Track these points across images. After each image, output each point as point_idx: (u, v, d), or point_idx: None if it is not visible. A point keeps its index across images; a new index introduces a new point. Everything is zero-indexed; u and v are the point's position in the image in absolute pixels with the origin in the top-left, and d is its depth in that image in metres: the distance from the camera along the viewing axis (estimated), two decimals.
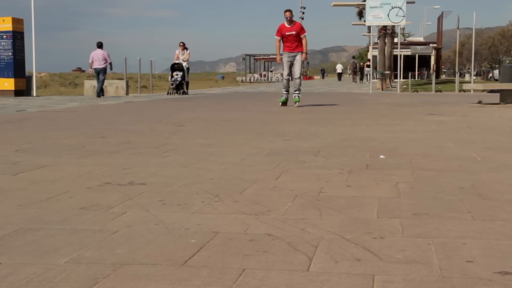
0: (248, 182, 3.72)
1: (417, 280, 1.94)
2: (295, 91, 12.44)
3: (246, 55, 64.26)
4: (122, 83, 21.92)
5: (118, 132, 7.18)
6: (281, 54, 12.44)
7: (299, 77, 12.53)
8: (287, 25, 12.25)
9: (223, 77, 72.18)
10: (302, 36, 12.29)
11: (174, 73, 20.37)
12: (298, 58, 12.27)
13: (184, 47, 20.82)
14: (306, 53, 12.47)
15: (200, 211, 2.94)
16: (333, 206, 3.04)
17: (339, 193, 3.38)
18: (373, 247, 2.31)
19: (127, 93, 21.51)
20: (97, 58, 19.17)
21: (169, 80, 20.73)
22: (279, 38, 12.31)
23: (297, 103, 12.43)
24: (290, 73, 12.38)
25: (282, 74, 14.09)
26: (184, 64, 20.53)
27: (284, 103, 12.55)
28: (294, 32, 12.16)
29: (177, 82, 20.35)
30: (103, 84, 19.37)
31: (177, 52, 20.96)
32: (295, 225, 2.66)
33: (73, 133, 7.07)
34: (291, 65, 12.35)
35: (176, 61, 20.57)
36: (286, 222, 2.71)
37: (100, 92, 19.00)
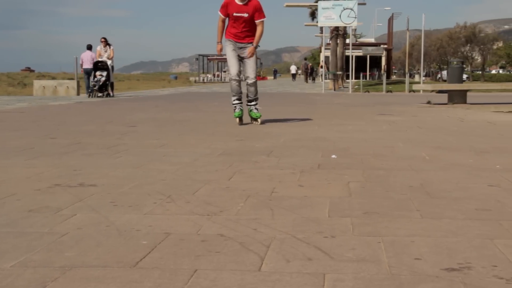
0: (201, 183, 3.71)
1: (367, 278, 1.96)
2: (250, 102, 8.38)
3: (200, 55, 64.04)
4: (73, 83, 21.57)
5: (69, 132, 7.06)
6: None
7: (254, 82, 8.31)
8: (238, 1, 8.03)
9: (176, 77, 71.71)
10: (258, 21, 8.08)
11: (98, 73, 18.30)
12: (250, 55, 8.21)
13: (106, 43, 19.11)
14: (256, 47, 8.24)
15: (152, 212, 2.92)
16: (285, 206, 3.06)
17: (291, 193, 3.40)
18: (324, 246, 2.33)
19: (78, 94, 21.17)
20: (86, 59, 19.60)
21: (91, 80, 18.62)
22: (223, 16, 8.12)
23: (258, 119, 8.35)
24: (240, 70, 8.32)
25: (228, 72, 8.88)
26: (109, 62, 18.67)
27: (241, 118, 8.31)
28: (246, 15, 7.96)
29: (101, 83, 18.30)
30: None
31: (98, 48, 19.10)
32: (247, 225, 2.66)
33: (22, 134, 6.92)
34: (240, 60, 8.31)
35: (100, 59, 18.68)
36: (238, 222, 2.72)
37: (91, 93, 18.66)
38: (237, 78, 8.28)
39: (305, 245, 2.34)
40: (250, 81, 8.30)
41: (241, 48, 8.21)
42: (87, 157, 4.92)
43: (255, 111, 8.41)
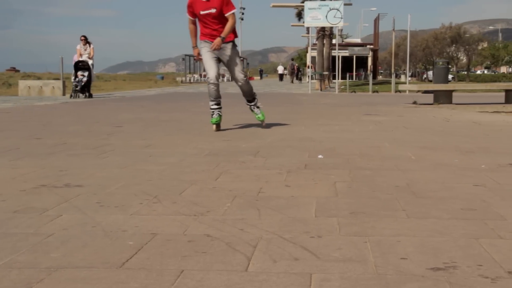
0: (187, 183, 3.71)
1: (353, 278, 1.97)
2: (249, 101, 7.85)
3: (186, 55, 63.88)
4: (59, 83, 21.43)
5: (55, 133, 7.02)
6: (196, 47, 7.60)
7: (245, 80, 7.67)
8: None
9: (162, 78, 71.51)
10: (227, 15, 7.32)
11: (79, 73, 17.66)
12: (229, 53, 7.45)
13: (86, 41, 18.38)
14: (223, 38, 7.28)
15: (138, 213, 2.91)
16: (272, 206, 3.06)
17: (278, 193, 3.41)
18: (311, 246, 2.33)
19: (63, 94, 21.05)
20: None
21: (72, 80, 17.95)
22: (191, 18, 7.45)
23: (263, 121, 7.90)
24: (218, 72, 7.51)
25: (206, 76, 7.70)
26: (90, 62, 18.02)
27: (218, 125, 7.45)
28: (214, 10, 7.26)
29: (83, 84, 17.69)
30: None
31: (78, 47, 18.34)
32: (234, 225, 2.66)
33: (7, 134, 6.87)
34: (217, 62, 7.52)
35: (80, 59, 18.05)
36: (225, 222, 2.71)
37: (73, 93, 18.36)
38: (215, 82, 7.33)
39: (292, 245, 2.34)
40: (240, 82, 7.59)
41: (219, 48, 7.39)
42: (73, 157, 4.90)
43: (256, 110, 7.88)
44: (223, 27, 7.28)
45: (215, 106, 7.42)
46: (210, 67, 7.32)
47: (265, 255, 2.21)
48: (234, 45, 7.49)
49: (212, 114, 7.42)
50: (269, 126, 7.67)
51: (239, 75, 7.55)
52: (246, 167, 4.38)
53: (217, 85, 7.36)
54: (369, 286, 1.89)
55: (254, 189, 3.51)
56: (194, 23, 7.45)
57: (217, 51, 7.36)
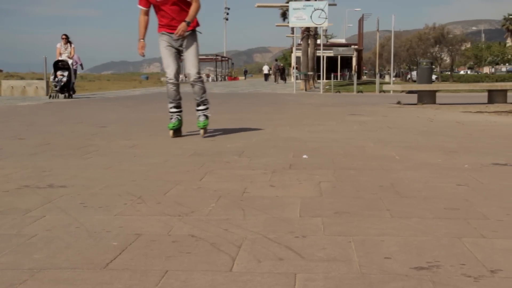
0: (172, 183, 3.70)
1: (337, 277, 1.98)
2: (198, 106, 6.64)
3: None
4: (42, 84, 21.28)
5: (38, 133, 6.97)
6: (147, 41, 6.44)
7: (198, 79, 6.49)
8: None
9: (147, 78, 71.34)
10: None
11: (58, 73, 17.27)
12: (187, 43, 6.33)
13: (67, 40, 17.87)
14: (189, 23, 6.23)
15: (123, 213, 2.90)
16: (256, 206, 3.06)
17: (262, 193, 3.41)
18: (295, 246, 2.34)
19: (47, 94, 20.90)
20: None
21: (52, 80, 17.56)
22: (144, 8, 6.31)
23: (203, 129, 6.58)
24: (179, 70, 6.51)
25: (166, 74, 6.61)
26: (70, 61, 17.58)
27: (177, 131, 6.60)
28: None
29: (62, 84, 17.27)
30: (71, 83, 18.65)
31: (58, 46, 17.78)
32: (218, 225, 2.66)
33: None
34: (178, 57, 6.48)
35: (60, 58, 17.59)
36: (209, 222, 2.71)
37: (52, 94, 18.09)
38: (174, 81, 6.45)
39: (276, 245, 2.34)
40: (191, 78, 6.47)
41: (177, 40, 6.33)
42: (56, 158, 4.87)
43: (201, 119, 6.55)
44: (185, 16, 6.22)
45: (174, 110, 6.59)
46: (169, 64, 6.39)
47: (249, 255, 2.21)
48: (195, 34, 6.40)
49: (171, 119, 6.58)
50: (212, 135, 6.72)
51: (192, 70, 6.41)
52: (231, 167, 4.38)
53: (176, 85, 6.53)
54: (353, 286, 1.90)
55: (239, 189, 3.51)
56: (147, 13, 6.34)
57: (179, 41, 6.32)
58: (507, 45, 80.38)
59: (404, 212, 2.94)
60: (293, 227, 2.63)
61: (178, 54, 6.44)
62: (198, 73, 6.46)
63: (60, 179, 3.83)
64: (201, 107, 6.64)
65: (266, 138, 6.41)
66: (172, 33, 6.28)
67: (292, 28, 35.84)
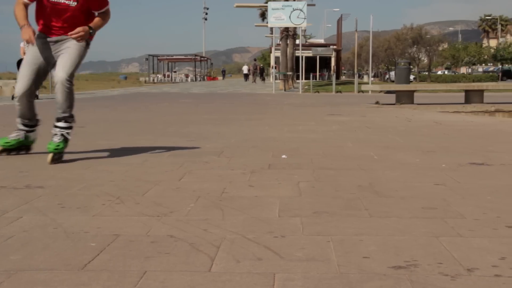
0: (151, 184, 3.68)
1: (316, 277, 1.98)
2: (58, 122, 4.89)
3: (149, 55, 63.45)
4: None
5: None
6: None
7: (67, 82, 4.74)
8: None
9: (126, 78, 70.95)
10: (102, 11, 4.94)
11: None
12: (71, 45, 4.79)
13: None
14: (93, 32, 4.86)
15: (101, 214, 2.88)
16: (235, 206, 3.06)
17: (241, 193, 3.41)
18: (274, 246, 2.34)
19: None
20: None
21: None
22: (28, 1, 4.79)
23: (52, 153, 4.67)
24: (33, 88, 4.91)
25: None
26: None
27: (7, 150, 5.03)
28: (73, 3, 4.75)
29: None
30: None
31: (22, 45, 15.00)
32: (197, 225, 2.65)
33: None
34: (37, 72, 4.85)
35: (23, 57, 16.39)
36: (188, 223, 2.70)
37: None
38: (22, 99, 4.89)
39: (255, 245, 2.34)
40: (57, 78, 4.73)
41: (57, 42, 4.80)
42: (33, 158, 4.82)
43: (56, 139, 4.70)
44: (76, 24, 4.75)
45: (23, 127, 5.04)
46: (23, 76, 4.82)
47: (228, 255, 2.21)
48: (87, 44, 4.89)
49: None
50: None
51: (61, 71, 4.70)
52: (210, 168, 4.37)
53: (26, 103, 4.93)
54: (331, 285, 1.91)
55: (218, 190, 3.51)
56: (27, 6, 4.77)
57: (56, 45, 4.80)
58: (484, 45, 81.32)
59: (382, 212, 2.95)
60: (272, 227, 2.63)
61: (44, 68, 4.87)
62: (67, 75, 4.68)
63: (38, 180, 3.80)
64: (60, 124, 4.81)
65: (245, 138, 6.41)
66: (52, 37, 4.80)
67: (271, 28, 35.88)
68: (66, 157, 4.77)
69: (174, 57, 68.89)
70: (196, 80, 63.84)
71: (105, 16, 4.97)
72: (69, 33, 4.73)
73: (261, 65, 60.69)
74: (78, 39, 4.72)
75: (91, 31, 4.82)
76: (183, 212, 2.92)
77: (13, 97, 17.97)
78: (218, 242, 2.38)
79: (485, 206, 3.07)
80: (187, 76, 68.71)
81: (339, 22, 60.31)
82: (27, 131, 5.09)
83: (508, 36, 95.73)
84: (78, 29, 4.71)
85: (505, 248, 2.31)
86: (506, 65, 67.56)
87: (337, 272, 2.03)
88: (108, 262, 2.13)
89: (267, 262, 2.13)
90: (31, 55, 4.83)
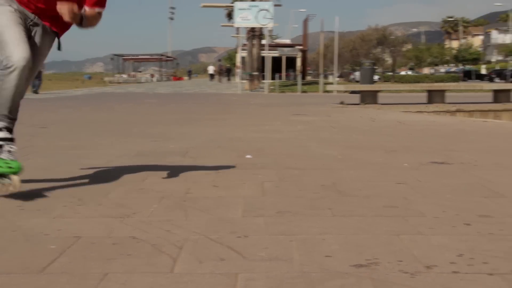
0: (114, 185, 3.65)
1: (278, 276, 1.99)
2: None
3: (115, 55, 62.88)
4: None
5: None
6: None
7: (6, 70, 3.17)
8: None
9: (90, 78, 70.19)
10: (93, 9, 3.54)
11: None
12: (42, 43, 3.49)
13: None
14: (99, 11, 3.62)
15: (62, 216, 2.84)
16: (199, 207, 3.05)
17: (205, 194, 3.40)
18: (237, 246, 2.34)
19: None
20: None
21: None
22: None
23: (8, 177, 3.23)
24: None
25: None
26: None
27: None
28: None
29: None
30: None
31: None
32: (160, 226, 2.63)
33: None
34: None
35: None
36: (151, 224, 2.68)
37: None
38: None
39: (218, 246, 2.34)
40: None
41: (34, 24, 3.44)
42: None
43: (4, 154, 3.27)
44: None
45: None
46: (17, 38, 3.25)
47: (191, 256, 2.20)
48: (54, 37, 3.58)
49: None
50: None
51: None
52: (174, 168, 4.35)
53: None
54: (294, 285, 1.91)
55: (182, 190, 3.49)
56: None
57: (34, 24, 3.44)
58: (446, 46, 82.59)
59: (345, 211, 2.98)
60: (236, 227, 2.63)
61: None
62: (8, 66, 3.20)
63: None
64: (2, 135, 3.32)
65: (210, 139, 6.40)
66: (29, 12, 3.39)
67: (238, 28, 35.90)
68: (26, 158, 4.69)
69: (140, 56, 68.42)
70: (161, 80, 63.45)
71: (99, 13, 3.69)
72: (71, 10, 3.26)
73: (227, 65, 60.65)
74: (73, 18, 3.32)
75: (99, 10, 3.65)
76: (146, 213, 2.90)
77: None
78: (181, 243, 2.37)
79: (444, 204, 3.12)
80: (152, 76, 68.21)
81: (305, 22, 60.64)
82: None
83: (469, 38, 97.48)
84: (72, 9, 3.29)
85: (463, 245, 2.35)
86: (467, 66, 68.78)
87: (299, 271, 2.04)
88: (68, 264, 2.10)
89: (230, 263, 2.13)
90: (11, 14, 3.31)
